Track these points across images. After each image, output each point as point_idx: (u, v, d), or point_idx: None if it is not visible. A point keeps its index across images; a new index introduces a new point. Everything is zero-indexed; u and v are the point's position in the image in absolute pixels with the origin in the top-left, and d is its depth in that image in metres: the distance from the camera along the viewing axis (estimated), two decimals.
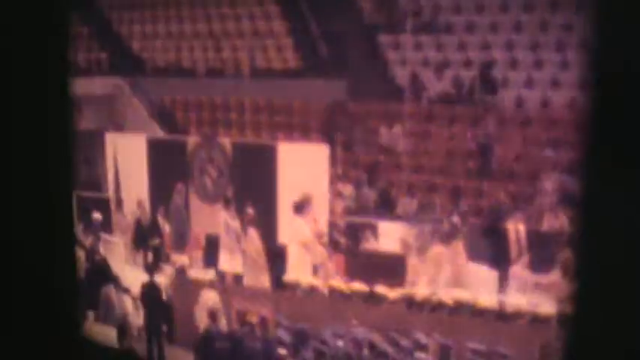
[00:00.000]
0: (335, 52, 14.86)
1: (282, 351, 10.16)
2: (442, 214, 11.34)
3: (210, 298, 10.87)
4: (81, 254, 12.10)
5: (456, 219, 10.97)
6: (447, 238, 10.69)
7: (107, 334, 11.39)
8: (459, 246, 10.69)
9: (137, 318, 11.51)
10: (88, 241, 12.43)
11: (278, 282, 10.93)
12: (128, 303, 11.69)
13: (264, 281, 11.45)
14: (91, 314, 11.69)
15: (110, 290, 11.20)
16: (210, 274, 11.38)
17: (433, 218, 11.03)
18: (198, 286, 11.44)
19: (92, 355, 9.64)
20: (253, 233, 11.81)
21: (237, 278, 11.60)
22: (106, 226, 13.03)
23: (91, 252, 12.21)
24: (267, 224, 11.83)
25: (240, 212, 11.90)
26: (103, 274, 11.97)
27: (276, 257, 11.33)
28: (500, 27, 13.26)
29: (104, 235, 12.83)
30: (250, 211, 11.92)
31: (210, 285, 11.17)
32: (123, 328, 11.38)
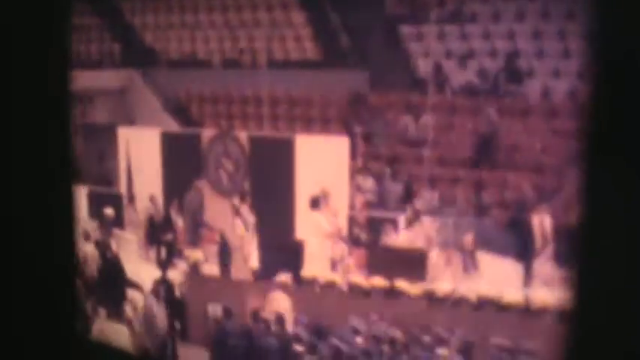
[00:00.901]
0: (356, 43, 15.05)
1: (299, 348, 10.34)
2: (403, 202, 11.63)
3: (279, 300, 10.88)
4: (92, 250, 12.36)
5: (418, 205, 11.25)
6: (409, 223, 11.02)
7: (119, 333, 11.61)
8: (419, 231, 11.01)
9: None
10: (100, 236, 12.67)
11: (295, 278, 11.12)
12: (140, 300, 11.91)
13: (248, 273, 11.71)
14: (102, 312, 11.91)
15: (151, 302, 11.18)
16: (283, 276, 11.23)
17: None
18: (215, 281, 11.70)
19: (95, 354, 9.87)
20: (238, 223, 12.10)
21: (253, 273, 11.82)
22: (118, 221, 13.28)
23: (103, 248, 12.42)
24: (284, 219, 12.06)
25: (256, 207, 12.13)
26: (115, 270, 12.20)
27: (293, 252, 11.54)
28: (526, 15, 13.41)
29: (116, 231, 13.07)
30: (236, 201, 12.20)
31: (281, 287, 11.09)
32: (164, 343, 11.35)
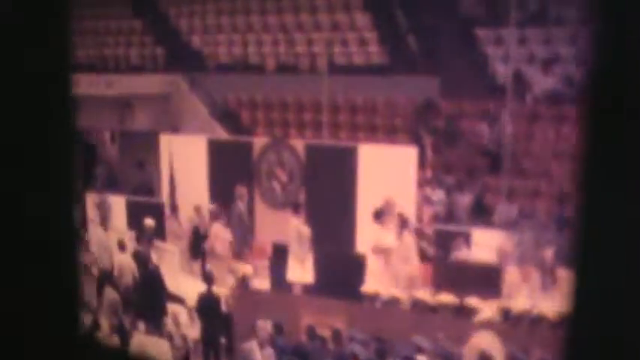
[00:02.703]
0: (426, 46, 15.44)
1: None
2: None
3: (483, 341, 10.16)
4: (129, 261, 12.75)
5: (405, 213, 11.54)
6: (399, 232, 11.40)
7: (159, 347, 11.89)
8: (409, 238, 11.37)
9: (193, 330, 12.02)
10: (137, 247, 13.02)
11: (355, 293, 11.40)
12: (183, 314, 12.21)
13: (234, 282, 12.13)
14: (142, 325, 12.21)
15: (253, 346, 10.99)
16: (488, 311, 10.73)
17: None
18: (262, 296, 12.03)
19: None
20: (218, 229, 12.57)
21: (307, 289, 12.14)
22: (159, 232, 13.63)
23: (143, 259, 12.73)
24: (344, 232, 12.41)
25: (312, 219, 12.46)
26: (155, 283, 12.54)
27: (354, 267, 11.84)
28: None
29: (157, 243, 13.40)
30: (213, 206, 12.69)
31: (487, 325, 10.55)
32: None
